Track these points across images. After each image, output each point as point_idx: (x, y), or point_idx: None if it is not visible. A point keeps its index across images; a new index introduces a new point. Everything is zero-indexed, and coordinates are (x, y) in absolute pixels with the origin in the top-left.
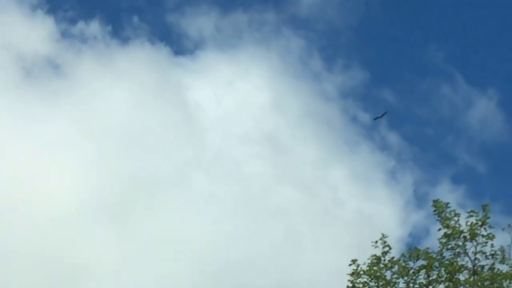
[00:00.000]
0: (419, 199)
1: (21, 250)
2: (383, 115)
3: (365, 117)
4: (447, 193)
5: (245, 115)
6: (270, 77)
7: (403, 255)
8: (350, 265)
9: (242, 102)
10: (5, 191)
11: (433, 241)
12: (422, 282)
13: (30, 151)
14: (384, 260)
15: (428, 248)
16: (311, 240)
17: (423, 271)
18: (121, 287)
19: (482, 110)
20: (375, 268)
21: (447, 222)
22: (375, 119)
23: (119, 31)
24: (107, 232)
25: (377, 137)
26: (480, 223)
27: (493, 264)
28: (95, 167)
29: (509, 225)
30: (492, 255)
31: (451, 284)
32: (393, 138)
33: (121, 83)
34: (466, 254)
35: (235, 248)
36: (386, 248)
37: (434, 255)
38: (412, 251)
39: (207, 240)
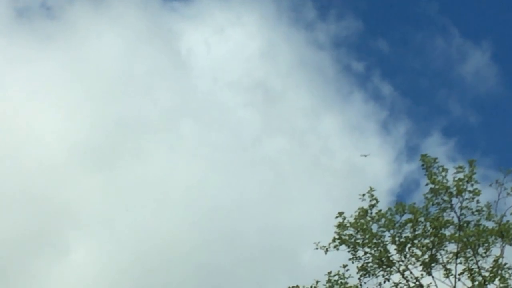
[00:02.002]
0: (411, 151)
1: (7, 191)
2: (367, 155)
3: (358, 67)
4: (439, 146)
5: (236, 62)
6: (262, 25)
7: (389, 209)
8: (336, 217)
9: (233, 49)
10: None
11: (423, 194)
12: (408, 236)
13: (19, 94)
14: (371, 213)
15: (414, 203)
16: (300, 190)
17: (409, 225)
18: (107, 231)
19: (476, 63)
20: (362, 221)
21: (434, 177)
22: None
23: None
24: (93, 177)
25: (370, 88)
26: (466, 178)
27: (479, 220)
28: (83, 112)
29: (496, 181)
30: (478, 211)
31: (436, 239)
32: (386, 89)
33: (113, 27)
34: (452, 209)
35: (222, 195)
36: (374, 202)
37: (420, 210)
38: (398, 205)
39: (194, 186)
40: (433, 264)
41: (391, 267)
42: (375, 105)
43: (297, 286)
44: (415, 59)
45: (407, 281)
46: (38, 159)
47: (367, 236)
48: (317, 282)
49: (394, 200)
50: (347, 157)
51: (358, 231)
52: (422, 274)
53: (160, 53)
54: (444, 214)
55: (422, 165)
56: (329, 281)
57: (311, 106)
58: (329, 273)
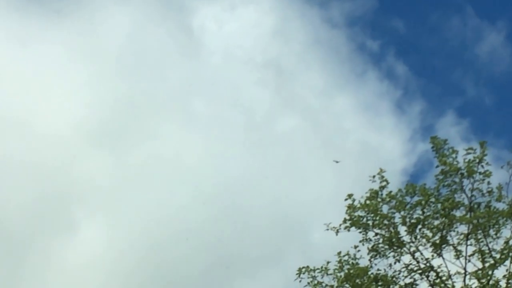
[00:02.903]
0: (425, 131)
1: (16, 169)
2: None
3: (373, 46)
4: (453, 126)
5: (248, 40)
6: (275, 2)
7: (400, 190)
8: (346, 199)
9: (246, 26)
10: (4, 108)
11: (434, 175)
12: (418, 217)
13: (29, 71)
14: (382, 194)
15: (425, 184)
16: (312, 169)
17: (420, 206)
18: (116, 209)
19: (491, 43)
20: (372, 202)
21: (445, 159)
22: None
23: None
24: (103, 154)
25: (384, 67)
26: (477, 160)
27: (490, 201)
28: (92, 88)
29: (508, 163)
30: (489, 192)
31: (447, 220)
32: (400, 68)
33: (124, 4)
34: (462, 191)
35: (233, 173)
36: (384, 183)
37: (431, 191)
38: (409, 187)
39: (205, 164)
40: (443, 246)
41: (401, 248)
42: (389, 84)
43: (307, 266)
44: (430, 38)
45: (418, 262)
46: (47, 137)
47: (377, 217)
48: (328, 262)
49: (408, 179)
50: (361, 136)
51: (368, 213)
52: (432, 255)
53: (171, 30)
54: (455, 195)
55: (432, 147)
56: (339, 261)
57: (325, 85)
58: (339, 253)
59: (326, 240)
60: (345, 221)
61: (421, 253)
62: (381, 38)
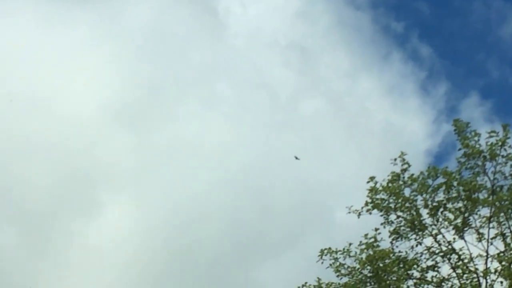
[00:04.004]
0: (449, 112)
1: (41, 150)
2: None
3: (397, 27)
4: (477, 107)
5: (272, 22)
6: None
7: (422, 173)
8: (368, 182)
9: (270, 8)
10: (29, 90)
11: (456, 158)
12: (440, 200)
13: (54, 52)
14: (403, 177)
15: (447, 167)
16: (337, 151)
17: (442, 189)
18: (139, 190)
19: None
20: (394, 185)
21: (467, 142)
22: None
23: None
24: (125, 136)
25: (409, 48)
26: (500, 143)
27: None
28: (116, 70)
29: None
30: (511, 175)
31: (469, 203)
32: (425, 50)
33: None
34: (485, 173)
35: (256, 154)
36: (405, 166)
37: (453, 174)
38: (431, 169)
39: (227, 146)
40: (465, 228)
41: (423, 231)
42: (414, 66)
43: (329, 248)
44: (454, 20)
45: (439, 244)
46: (71, 119)
47: (399, 200)
48: (350, 244)
49: (432, 161)
50: (385, 118)
51: (390, 195)
52: (454, 238)
53: (196, 13)
54: (478, 178)
55: (455, 129)
56: (362, 243)
57: (349, 67)
58: (366, 235)
59: (348, 222)
60: (366, 204)
61: (443, 236)
62: (406, 20)
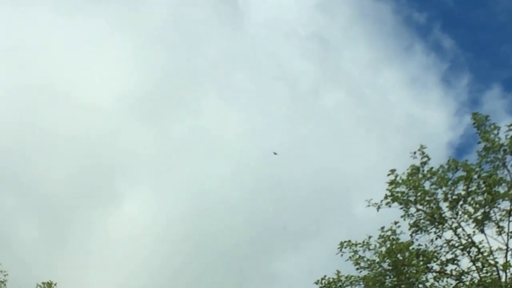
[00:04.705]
0: (471, 104)
1: (59, 137)
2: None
3: (420, 18)
4: (499, 99)
5: (292, 12)
6: None
7: (441, 166)
8: (388, 175)
9: None
10: (49, 80)
11: (476, 151)
12: (460, 193)
13: (74, 42)
14: (423, 170)
15: (466, 160)
16: (357, 143)
17: (462, 182)
18: (159, 181)
19: None
20: (413, 178)
21: (487, 135)
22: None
23: None
24: (145, 126)
25: (431, 40)
26: None
27: None
28: (136, 61)
29: None
30: None
31: (489, 196)
32: (447, 41)
33: None
34: (505, 167)
35: (276, 145)
36: (425, 159)
37: (473, 167)
38: (451, 162)
39: (246, 137)
40: (485, 222)
41: (443, 224)
42: (436, 58)
43: (349, 241)
44: (477, 11)
45: (459, 238)
46: (91, 109)
47: (419, 193)
48: (369, 237)
49: (454, 152)
50: (406, 110)
51: (410, 189)
52: (474, 231)
53: (216, 3)
54: (498, 172)
55: (474, 123)
56: (381, 236)
57: (370, 58)
58: (382, 228)
59: (368, 214)
60: (386, 197)
61: (463, 229)
62: (428, 11)
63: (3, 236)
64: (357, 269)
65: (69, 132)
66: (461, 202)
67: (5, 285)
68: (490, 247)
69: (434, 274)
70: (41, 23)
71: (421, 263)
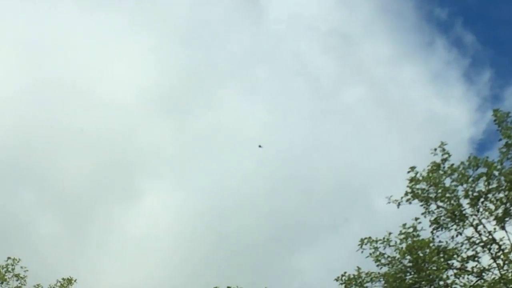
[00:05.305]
0: (494, 99)
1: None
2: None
3: (441, 14)
4: None
5: (313, 8)
6: None
7: (462, 163)
8: (408, 172)
9: None
10: (70, 76)
11: (498, 148)
12: (481, 190)
13: (94, 39)
14: (444, 167)
15: (487, 157)
16: (378, 139)
17: (483, 179)
18: (178, 179)
19: None
20: (434, 175)
21: (508, 132)
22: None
23: None
24: (165, 122)
25: (452, 35)
26: None
27: None
28: (156, 57)
29: None
30: None
31: (510, 193)
32: (469, 37)
33: None
34: None
35: (296, 141)
36: (446, 156)
37: (494, 164)
38: (472, 159)
39: (267, 133)
40: (506, 218)
41: (464, 221)
42: (458, 53)
43: (370, 237)
44: (498, 7)
45: (480, 235)
46: (111, 105)
47: (439, 190)
48: (390, 234)
49: (476, 148)
50: (427, 106)
51: (430, 185)
52: (495, 228)
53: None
54: None
55: (495, 120)
56: (402, 233)
57: (391, 54)
58: (404, 225)
59: (388, 209)
60: (406, 193)
61: (484, 226)
62: (450, 6)
63: (24, 232)
64: (378, 265)
65: (90, 127)
66: (482, 199)
67: (25, 281)
68: (511, 244)
69: (455, 271)
70: (63, 18)
71: (442, 260)
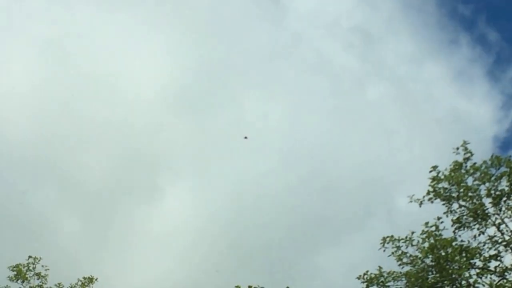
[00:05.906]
0: None
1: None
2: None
3: (465, 11)
4: None
5: (334, 5)
6: None
7: (484, 162)
8: (430, 171)
9: None
10: (90, 73)
11: None
12: (504, 189)
13: (121, 35)
14: (466, 166)
15: (510, 156)
16: (401, 137)
17: (505, 178)
18: (199, 176)
19: None
20: (456, 174)
21: None
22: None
23: None
24: (185, 120)
25: (476, 33)
26: None
27: None
28: (176, 54)
29: None
30: None
31: None
32: (493, 34)
33: None
34: None
35: (318, 138)
36: (468, 155)
37: None
38: (494, 158)
39: (288, 130)
40: None
41: (486, 220)
42: (482, 51)
43: (392, 236)
44: None
45: (502, 234)
46: (132, 103)
47: (462, 189)
48: (412, 233)
49: (500, 146)
50: (451, 104)
51: (452, 184)
52: None
53: None
54: None
55: None
56: (424, 232)
57: (414, 52)
58: (426, 223)
59: (410, 207)
60: (428, 193)
61: (506, 225)
62: (473, 3)
63: (47, 230)
64: (399, 264)
65: (113, 125)
66: (504, 198)
67: (46, 279)
68: None
69: (477, 270)
70: (89, 16)
71: (464, 259)
